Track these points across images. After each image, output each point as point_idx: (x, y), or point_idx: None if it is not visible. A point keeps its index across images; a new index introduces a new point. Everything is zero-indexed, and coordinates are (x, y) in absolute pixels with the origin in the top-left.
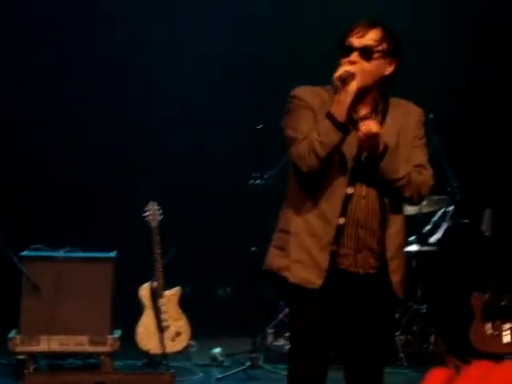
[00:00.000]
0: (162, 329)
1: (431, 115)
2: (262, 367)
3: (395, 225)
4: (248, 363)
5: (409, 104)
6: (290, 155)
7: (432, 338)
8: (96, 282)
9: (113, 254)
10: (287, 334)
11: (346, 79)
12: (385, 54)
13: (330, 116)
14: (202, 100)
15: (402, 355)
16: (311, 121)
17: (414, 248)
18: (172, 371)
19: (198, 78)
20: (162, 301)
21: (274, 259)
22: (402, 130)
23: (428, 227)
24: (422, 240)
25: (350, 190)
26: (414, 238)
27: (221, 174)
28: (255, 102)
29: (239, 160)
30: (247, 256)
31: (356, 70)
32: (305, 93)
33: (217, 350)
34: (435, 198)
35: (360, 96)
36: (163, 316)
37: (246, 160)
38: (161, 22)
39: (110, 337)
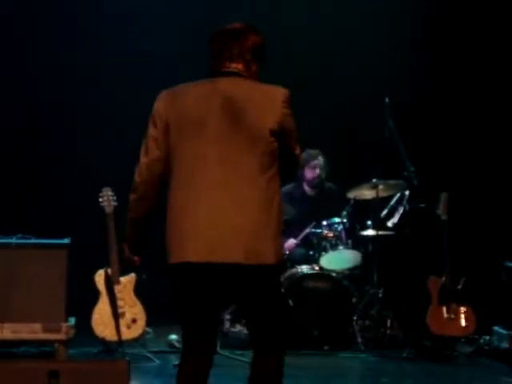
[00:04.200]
0: (117, 315)
1: (387, 100)
2: (219, 353)
3: None
4: None
5: None
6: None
7: (389, 323)
8: (50, 268)
9: (67, 240)
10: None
11: None
12: None
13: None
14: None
15: (359, 340)
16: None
17: (370, 232)
18: (128, 358)
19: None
20: (117, 287)
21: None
22: None
23: (385, 212)
24: (379, 224)
25: None
26: (370, 222)
27: None
28: None
29: None
30: None
31: None
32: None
33: (173, 337)
34: (392, 182)
35: None
36: (119, 303)
37: None
38: None
39: (64, 324)
